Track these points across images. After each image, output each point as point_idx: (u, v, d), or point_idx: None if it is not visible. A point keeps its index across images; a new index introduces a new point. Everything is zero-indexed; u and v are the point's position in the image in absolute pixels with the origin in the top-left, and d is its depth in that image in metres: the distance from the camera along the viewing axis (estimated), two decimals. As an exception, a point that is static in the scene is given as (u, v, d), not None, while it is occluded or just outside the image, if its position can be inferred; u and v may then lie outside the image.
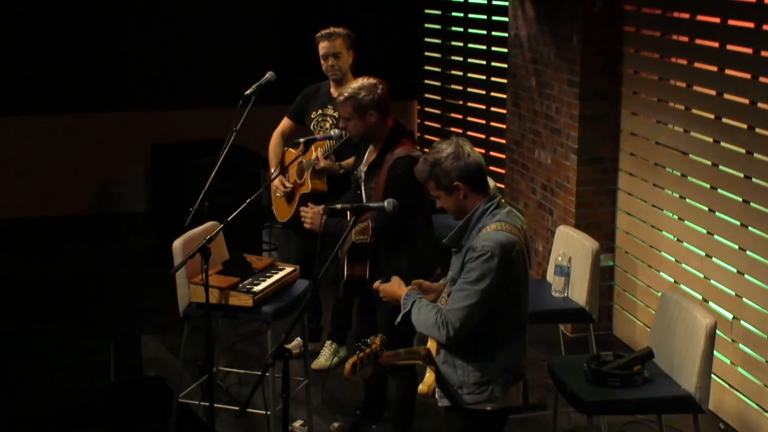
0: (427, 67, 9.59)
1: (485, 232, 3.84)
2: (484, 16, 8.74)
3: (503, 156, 7.94)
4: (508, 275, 3.80)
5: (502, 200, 4.01)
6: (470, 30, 8.96)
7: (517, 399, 3.97)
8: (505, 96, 7.88)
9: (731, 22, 5.56)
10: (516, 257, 3.82)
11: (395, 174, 4.77)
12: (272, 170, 5.98)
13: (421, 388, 4.06)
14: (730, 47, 5.59)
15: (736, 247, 5.53)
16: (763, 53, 5.31)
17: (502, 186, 7.81)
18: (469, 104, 9.11)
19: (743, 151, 5.46)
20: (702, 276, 5.85)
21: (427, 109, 9.72)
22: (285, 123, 6.13)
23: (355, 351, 3.99)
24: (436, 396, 4.02)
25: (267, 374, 4.58)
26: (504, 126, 7.93)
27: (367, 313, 5.16)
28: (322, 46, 5.86)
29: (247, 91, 5.34)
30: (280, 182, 5.94)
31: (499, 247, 3.79)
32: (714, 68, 5.72)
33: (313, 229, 4.94)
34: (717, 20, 5.66)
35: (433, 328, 3.88)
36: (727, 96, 5.61)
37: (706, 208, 5.79)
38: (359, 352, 3.92)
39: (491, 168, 7.93)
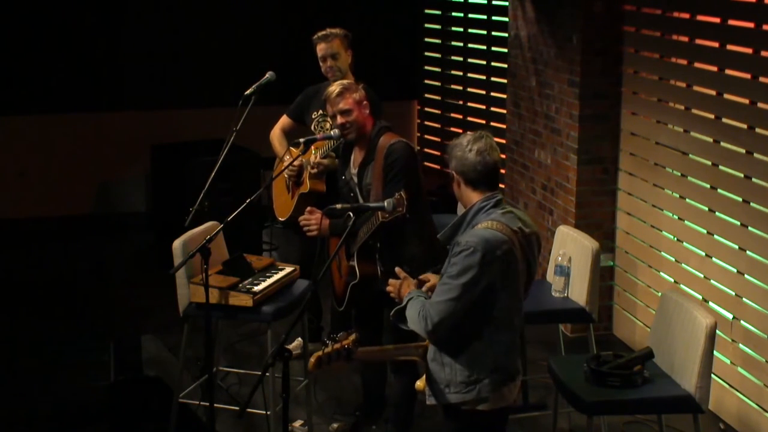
0: (427, 67, 9.60)
1: (474, 228, 3.86)
2: (484, 16, 8.74)
3: (503, 156, 7.94)
4: (490, 272, 3.78)
5: (504, 201, 4.00)
6: (470, 30, 8.97)
7: (510, 399, 3.95)
8: (505, 96, 7.88)
9: (731, 22, 5.56)
10: (502, 256, 3.79)
11: (394, 157, 4.78)
12: (281, 156, 5.97)
13: (419, 384, 4.07)
14: (730, 47, 5.59)
15: (736, 247, 5.53)
16: (763, 53, 5.31)
17: (502, 186, 7.82)
18: (469, 104, 9.11)
19: (743, 151, 5.47)
20: (702, 276, 5.85)
21: (427, 109, 9.73)
22: (284, 121, 6.12)
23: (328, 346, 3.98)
24: (426, 393, 4.03)
25: (267, 374, 4.58)
26: (504, 126, 7.93)
27: (366, 317, 5.14)
28: (320, 48, 5.86)
29: (247, 91, 5.33)
30: (288, 159, 5.86)
31: (482, 243, 3.78)
32: (714, 68, 5.72)
33: (319, 235, 4.94)
34: (717, 20, 5.66)
35: (416, 322, 3.90)
36: (727, 96, 5.61)
37: (706, 208, 5.79)
38: (325, 348, 3.91)
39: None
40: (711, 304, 5.73)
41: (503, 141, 7.88)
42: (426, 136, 9.76)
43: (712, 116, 5.73)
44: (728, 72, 5.60)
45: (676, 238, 6.11)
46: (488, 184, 3.94)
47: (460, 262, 3.79)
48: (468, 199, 3.96)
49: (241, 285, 5.07)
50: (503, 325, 3.87)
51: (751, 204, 5.40)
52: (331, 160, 5.73)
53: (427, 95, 9.68)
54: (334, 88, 4.90)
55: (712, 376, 4.51)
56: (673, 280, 6.12)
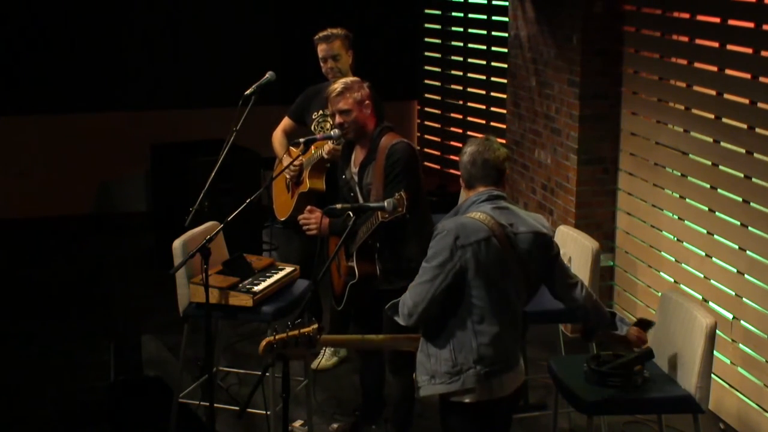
0: (427, 67, 9.60)
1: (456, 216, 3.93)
2: (484, 16, 8.75)
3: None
4: (463, 257, 3.81)
5: (504, 200, 4.00)
6: (470, 30, 8.97)
7: (503, 392, 3.94)
8: (505, 96, 7.89)
9: (731, 22, 5.56)
10: (476, 243, 3.81)
11: (395, 158, 4.78)
12: (281, 157, 5.98)
13: (414, 376, 4.09)
14: (730, 47, 5.59)
15: (736, 247, 5.53)
16: (763, 53, 5.31)
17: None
18: (469, 104, 9.11)
19: (743, 151, 5.47)
20: (702, 276, 5.85)
21: (427, 109, 9.73)
22: (286, 122, 6.13)
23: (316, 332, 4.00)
24: (415, 386, 4.04)
25: (267, 374, 4.58)
26: (504, 126, 7.94)
27: (365, 316, 5.14)
28: (321, 49, 5.86)
29: (247, 91, 5.34)
30: (288, 160, 5.87)
31: (456, 228, 3.83)
32: (714, 68, 5.72)
33: (319, 235, 4.94)
34: (717, 20, 5.66)
35: (399, 311, 3.95)
36: (727, 96, 5.61)
37: (706, 208, 5.79)
38: (275, 334, 3.92)
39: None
40: (711, 304, 5.73)
41: (503, 141, 7.89)
42: (426, 136, 9.76)
43: (712, 116, 5.73)
44: (728, 72, 5.60)
45: (676, 238, 6.11)
46: (483, 183, 3.99)
47: (434, 245, 3.87)
48: (466, 197, 4.03)
49: (241, 285, 5.08)
50: (485, 315, 3.86)
51: (751, 204, 5.40)
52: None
53: (427, 95, 9.68)
54: (336, 86, 4.90)
55: (712, 376, 4.51)
56: (673, 280, 6.12)
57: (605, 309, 4.26)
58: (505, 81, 7.91)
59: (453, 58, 9.25)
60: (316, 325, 3.95)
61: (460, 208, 3.99)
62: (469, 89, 9.08)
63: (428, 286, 3.84)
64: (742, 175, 5.48)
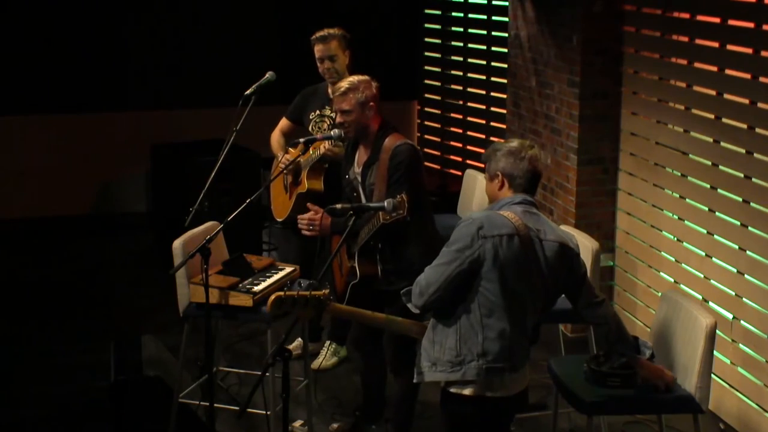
0: (427, 67, 9.60)
1: None
2: (484, 16, 8.75)
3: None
4: (483, 247, 3.84)
5: (534, 207, 4.04)
6: (470, 30, 8.97)
7: (504, 392, 3.94)
8: (505, 96, 7.89)
9: (731, 22, 5.56)
10: (499, 237, 3.85)
11: (399, 160, 4.78)
12: (279, 155, 5.97)
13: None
14: (730, 47, 5.59)
15: (736, 247, 5.53)
16: (763, 53, 5.31)
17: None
18: (469, 104, 9.11)
19: (743, 151, 5.47)
20: (702, 276, 5.85)
21: (427, 109, 9.73)
22: (284, 123, 6.14)
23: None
24: (415, 372, 4.06)
25: (267, 374, 4.58)
26: (504, 126, 7.94)
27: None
28: (317, 50, 5.86)
29: (247, 91, 5.34)
30: (286, 159, 5.87)
31: (482, 218, 3.89)
32: (714, 68, 5.72)
33: (318, 235, 4.93)
34: (717, 20, 5.66)
35: (412, 290, 4.01)
36: (727, 96, 5.61)
37: (706, 208, 5.79)
38: (286, 290, 3.92)
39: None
40: (711, 304, 5.73)
41: (501, 141, 7.88)
42: (426, 136, 9.76)
43: (712, 116, 5.73)
44: (728, 72, 5.60)
45: (676, 238, 6.11)
46: (525, 190, 4.04)
47: (457, 232, 3.93)
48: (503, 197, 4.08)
49: (241, 285, 5.07)
50: (495, 310, 3.88)
51: (751, 204, 5.40)
52: (341, 149, 5.73)
53: (427, 95, 9.68)
54: (342, 84, 4.89)
55: (712, 376, 4.51)
56: (673, 280, 6.13)
57: (627, 331, 4.30)
58: (505, 81, 7.91)
59: (453, 58, 9.25)
60: (327, 290, 3.97)
61: (493, 208, 4.04)
62: (469, 89, 9.08)
63: (444, 268, 3.89)
64: (742, 175, 5.48)
